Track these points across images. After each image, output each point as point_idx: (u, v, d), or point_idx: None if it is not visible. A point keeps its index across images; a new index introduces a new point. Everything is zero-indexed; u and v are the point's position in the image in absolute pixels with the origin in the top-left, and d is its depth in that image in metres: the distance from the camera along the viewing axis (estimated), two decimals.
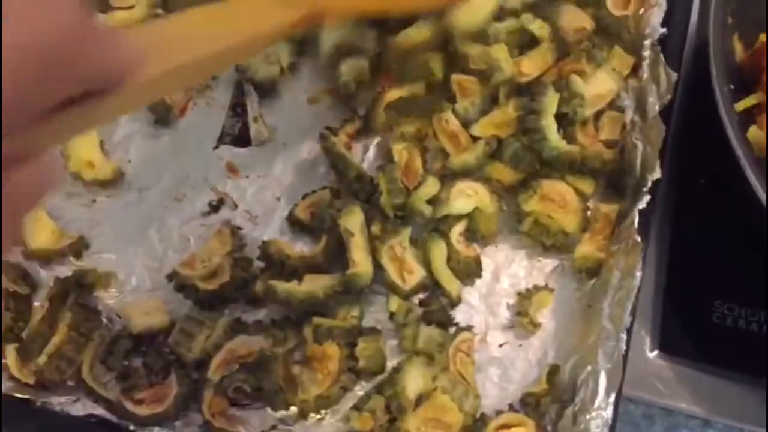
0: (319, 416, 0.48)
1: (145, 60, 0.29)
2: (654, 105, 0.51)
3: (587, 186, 0.52)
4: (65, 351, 0.48)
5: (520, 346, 0.49)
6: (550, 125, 0.51)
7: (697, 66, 0.57)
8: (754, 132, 0.51)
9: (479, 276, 0.51)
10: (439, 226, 0.51)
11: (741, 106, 0.51)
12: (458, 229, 0.51)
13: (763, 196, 0.43)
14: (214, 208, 0.54)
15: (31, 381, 0.48)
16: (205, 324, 0.49)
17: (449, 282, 0.50)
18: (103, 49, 0.26)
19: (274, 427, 0.47)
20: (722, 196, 0.53)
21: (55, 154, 0.30)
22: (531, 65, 0.53)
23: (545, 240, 0.51)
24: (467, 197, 0.51)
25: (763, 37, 0.52)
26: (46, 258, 0.52)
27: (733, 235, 0.52)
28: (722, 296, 0.51)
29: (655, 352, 0.51)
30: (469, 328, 0.49)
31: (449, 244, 0.50)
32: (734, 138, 0.45)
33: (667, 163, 0.54)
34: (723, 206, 0.53)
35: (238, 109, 0.57)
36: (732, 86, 0.52)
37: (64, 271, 0.52)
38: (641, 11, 0.55)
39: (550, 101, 0.52)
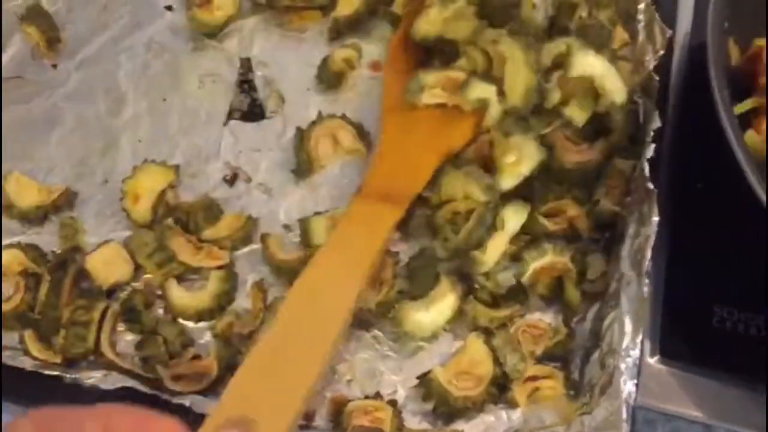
0: None
1: None
2: (650, 62, 0.52)
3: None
4: (77, 317, 0.48)
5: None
6: None
7: (693, 70, 0.57)
8: (750, 136, 0.51)
9: None
10: None
11: (738, 109, 0.51)
12: None
13: (763, 198, 0.43)
14: (229, 182, 0.54)
15: (58, 360, 0.48)
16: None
17: None
18: None
19: None
20: (720, 199, 0.53)
21: None
22: None
23: None
24: None
25: (758, 41, 0.54)
26: (42, 214, 0.53)
27: (731, 239, 0.52)
28: (721, 301, 0.51)
29: (656, 358, 0.50)
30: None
31: None
32: (734, 141, 0.45)
33: (663, 168, 0.55)
34: (721, 210, 0.53)
35: (245, 85, 0.58)
36: (729, 90, 0.53)
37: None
38: None
39: None
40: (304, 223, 0.51)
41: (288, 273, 0.50)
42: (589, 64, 0.49)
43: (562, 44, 0.49)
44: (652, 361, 0.50)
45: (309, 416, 0.47)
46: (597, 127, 0.51)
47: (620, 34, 0.56)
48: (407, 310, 0.48)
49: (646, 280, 0.46)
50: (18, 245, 0.51)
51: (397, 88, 0.51)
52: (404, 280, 0.49)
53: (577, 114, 0.50)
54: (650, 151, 0.48)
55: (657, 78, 0.51)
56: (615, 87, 0.50)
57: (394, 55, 0.54)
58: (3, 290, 0.49)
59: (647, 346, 0.50)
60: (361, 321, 0.49)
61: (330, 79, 0.56)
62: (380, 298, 0.48)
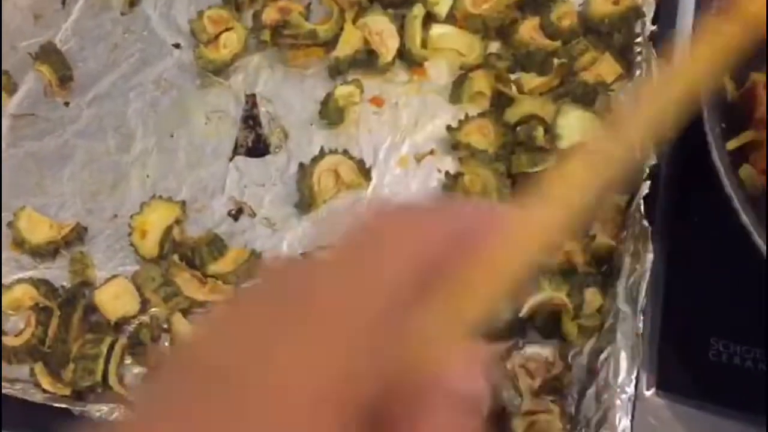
0: None
1: None
2: None
3: None
4: (86, 350, 0.49)
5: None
6: None
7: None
8: (746, 170, 0.52)
9: None
10: None
11: (733, 144, 0.52)
12: None
13: (754, 234, 0.44)
14: (234, 216, 0.56)
15: (67, 392, 0.49)
16: None
17: None
18: None
19: None
20: (716, 233, 0.53)
21: None
22: None
23: None
24: None
25: (754, 76, 0.54)
26: (53, 249, 0.54)
27: (727, 272, 0.53)
28: (718, 334, 0.51)
29: (652, 390, 0.50)
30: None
31: None
32: (726, 178, 0.46)
33: (660, 201, 0.55)
34: (716, 244, 0.53)
35: (250, 121, 0.59)
36: (724, 125, 0.53)
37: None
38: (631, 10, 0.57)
39: None
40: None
41: None
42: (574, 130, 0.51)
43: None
44: (649, 393, 0.50)
45: None
46: None
47: (614, 68, 0.57)
48: None
49: (641, 317, 0.46)
50: (30, 280, 0.53)
51: None
52: None
53: None
54: (645, 188, 0.49)
55: None
56: None
57: None
58: (15, 324, 0.51)
59: (644, 378, 0.50)
60: None
61: (332, 115, 0.57)
62: None
